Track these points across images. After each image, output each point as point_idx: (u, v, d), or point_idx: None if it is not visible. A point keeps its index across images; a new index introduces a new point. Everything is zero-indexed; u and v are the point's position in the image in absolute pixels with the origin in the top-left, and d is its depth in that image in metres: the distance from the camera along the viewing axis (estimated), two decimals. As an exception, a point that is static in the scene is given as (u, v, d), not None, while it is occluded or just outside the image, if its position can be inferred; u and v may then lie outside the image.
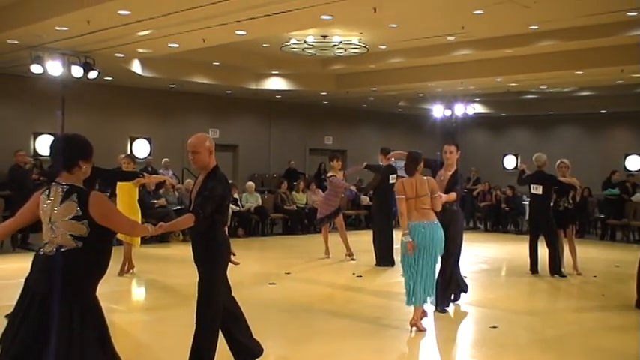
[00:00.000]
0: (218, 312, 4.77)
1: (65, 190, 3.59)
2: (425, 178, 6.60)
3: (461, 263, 7.82)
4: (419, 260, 6.40)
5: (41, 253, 3.63)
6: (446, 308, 7.31)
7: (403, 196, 6.44)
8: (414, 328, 6.43)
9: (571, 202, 10.27)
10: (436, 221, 6.49)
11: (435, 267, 6.54)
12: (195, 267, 4.81)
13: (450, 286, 7.39)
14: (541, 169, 10.22)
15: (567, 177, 10.14)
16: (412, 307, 6.53)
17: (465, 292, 7.89)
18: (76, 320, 3.46)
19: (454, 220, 7.22)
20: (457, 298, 7.77)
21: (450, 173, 7.24)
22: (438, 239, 6.46)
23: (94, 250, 3.61)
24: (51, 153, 3.77)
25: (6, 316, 3.80)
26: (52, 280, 3.47)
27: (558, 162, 10.28)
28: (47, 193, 3.64)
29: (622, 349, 6.03)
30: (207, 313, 4.74)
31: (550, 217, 10.11)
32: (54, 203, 3.59)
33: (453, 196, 7.03)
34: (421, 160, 6.64)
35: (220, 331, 4.85)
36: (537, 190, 10.11)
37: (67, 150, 3.67)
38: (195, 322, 4.78)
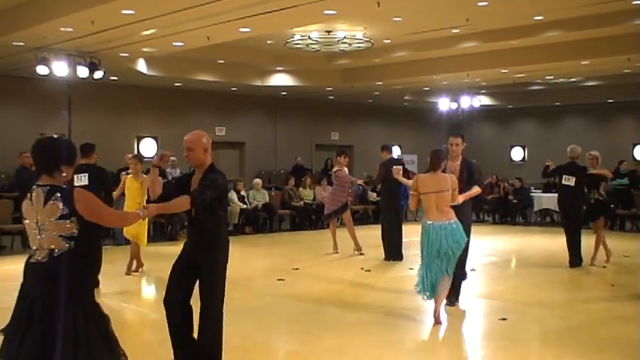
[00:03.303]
0: (221, 313, 4.74)
1: (46, 190, 3.50)
2: (448, 175, 6.57)
3: (469, 256, 7.80)
4: (434, 259, 6.37)
5: (33, 261, 3.52)
6: (455, 302, 7.26)
7: (415, 193, 6.48)
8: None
9: (603, 193, 10.17)
10: (456, 220, 6.42)
11: (447, 269, 6.43)
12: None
13: (457, 280, 7.31)
14: (574, 160, 10.14)
15: (597, 168, 9.99)
16: (422, 300, 6.58)
17: (465, 279, 7.71)
18: (79, 323, 3.42)
19: (464, 212, 7.08)
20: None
21: (458, 162, 7.18)
22: (457, 240, 6.37)
23: (86, 250, 3.54)
24: (33, 155, 3.63)
25: (1, 330, 3.69)
26: (51, 287, 3.40)
27: (587, 154, 10.12)
28: (30, 197, 3.53)
29: (632, 339, 6.00)
30: (212, 313, 4.68)
31: (581, 209, 10.09)
32: (37, 206, 3.49)
33: (476, 190, 7.06)
34: (445, 157, 6.64)
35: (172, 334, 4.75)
36: (570, 181, 10.00)
37: (51, 153, 3.56)
38: (199, 327, 4.72)
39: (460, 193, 6.67)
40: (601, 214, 10.16)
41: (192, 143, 4.65)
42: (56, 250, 3.47)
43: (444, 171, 6.70)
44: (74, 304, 3.44)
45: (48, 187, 3.50)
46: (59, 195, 3.48)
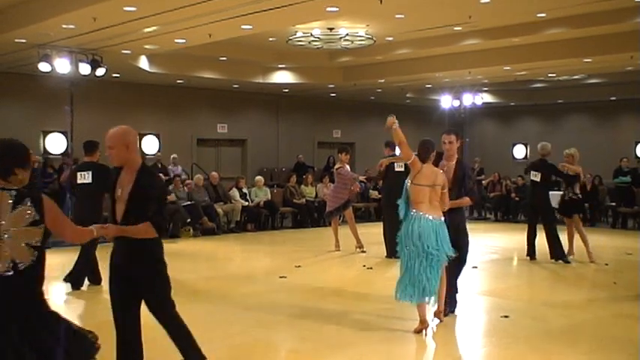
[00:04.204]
0: (176, 315, 4.40)
1: (14, 194, 3.27)
2: (439, 170, 6.16)
3: (471, 253, 7.77)
4: (412, 255, 5.94)
5: None
6: (450, 312, 6.71)
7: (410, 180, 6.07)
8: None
9: (578, 192, 10.36)
10: (443, 219, 6.04)
11: (428, 268, 5.91)
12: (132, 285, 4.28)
13: (453, 289, 6.80)
14: (544, 157, 10.36)
15: (575, 165, 10.21)
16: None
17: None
18: (45, 332, 3.28)
19: (460, 212, 6.75)
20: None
21: (454, 162, 6.63)
22: (441, 239, 5.94)
23: (43, 261, 3.35)
24: None
25: None
26: (18, 304, 3.24)
27: (564, 152, 10.38)
28: None
29: (634, 337, 5.99)
30: (168, 317, 4.36)
31: (548, 204, 10.34)
32: (1, 211, 3.24)
33: (467, 201, 6.67)
34: (434, 149, 6.14)
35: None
36: (536, 177, 10.32)
37: (4, 156, 3.35)
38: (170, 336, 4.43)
39: (450, 195, 6.23)
40: (575, 211, 10.46)
41: (111, 140, 4.16)
42: (21, 263, 3.25)
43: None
44: (38, 317, 3.29)
45: (15, 192, 3.29)
46: (29, 200, 3.29)
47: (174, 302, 4.39)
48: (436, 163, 6.33)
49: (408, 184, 6.15)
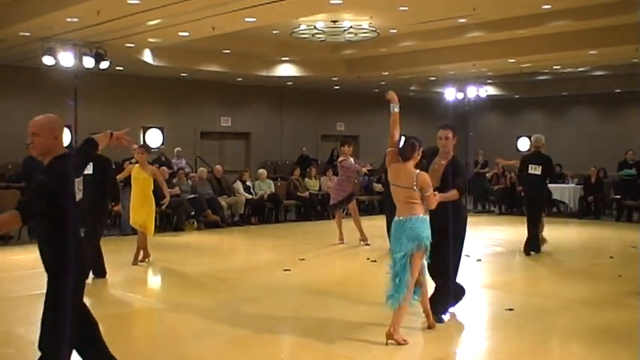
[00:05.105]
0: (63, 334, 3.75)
1: None
2: (417, 171, 5.62)
3: (475, 246, 7.76)
4: (394, 257, 5.64)
5: None
6: (443, 317, 6.29)
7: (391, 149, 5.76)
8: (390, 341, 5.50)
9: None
10: (422, 215, 5.60)
11: (404, 269, 5.54)
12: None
13: (446, 293, 6.33)
14: (538, 149, 10.42)
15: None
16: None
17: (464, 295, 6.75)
18: None
19: (457, 216, 6.17)
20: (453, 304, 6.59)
21: (446, 162, 6.25)
22: (421, 236, 5.55)
23: None
24: None
25: None
26: None
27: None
28: None
29: (638, 331, 5.98)
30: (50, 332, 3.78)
31: (545, 197, 10.58)
32: None
33: (453, 194, 6.03)
34: (419, 148, 5.70)
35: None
36: (536, 170, 10.31)
37: None
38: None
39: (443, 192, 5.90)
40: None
41: (37, 127, 3.82)
42: None
43: (427, 167, 6.06)
44: None
45: None
46: None
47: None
48: (430, 161, 6.18)
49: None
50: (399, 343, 5.47)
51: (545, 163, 10.31)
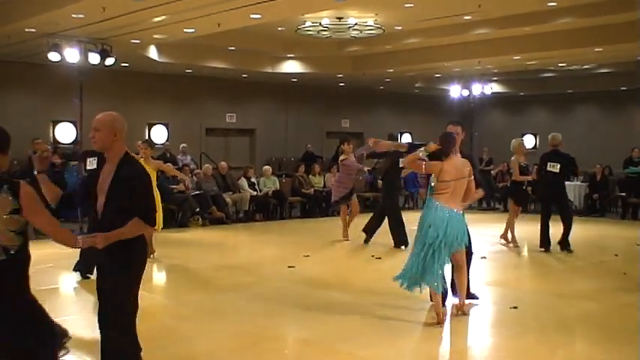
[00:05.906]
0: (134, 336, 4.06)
1: None
2: (464, 160, 6.14)
3: (480, 244, 7.77)
4: (431, 247, 5.93)
5: None
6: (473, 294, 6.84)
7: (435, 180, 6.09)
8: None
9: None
10: (462, 212, 6.12)
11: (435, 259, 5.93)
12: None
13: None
14: (556, 147, 10.48)
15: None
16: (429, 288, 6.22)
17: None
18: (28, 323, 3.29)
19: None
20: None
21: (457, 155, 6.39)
22: (460, 232, 6.03)
23: (28, 240, 3.33)
24: None
25: None
26: (9, 287, 3.26)
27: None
28: None
29: (644, 328, 5.98)
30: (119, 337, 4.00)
31: (566, 195, 10.59)
32: None
33: (481, 194, 6.72)
34: (455, 141, 6.14)
35: None
36: (555, 167, 10.37)
37: None
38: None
39: None
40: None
41: (99, 123, 4.05)
42: (11, 248, 3.24)
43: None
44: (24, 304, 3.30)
45: None
46: (7, 187, 3.25)
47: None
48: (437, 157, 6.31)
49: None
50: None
51: (564, 161, 10.36)
